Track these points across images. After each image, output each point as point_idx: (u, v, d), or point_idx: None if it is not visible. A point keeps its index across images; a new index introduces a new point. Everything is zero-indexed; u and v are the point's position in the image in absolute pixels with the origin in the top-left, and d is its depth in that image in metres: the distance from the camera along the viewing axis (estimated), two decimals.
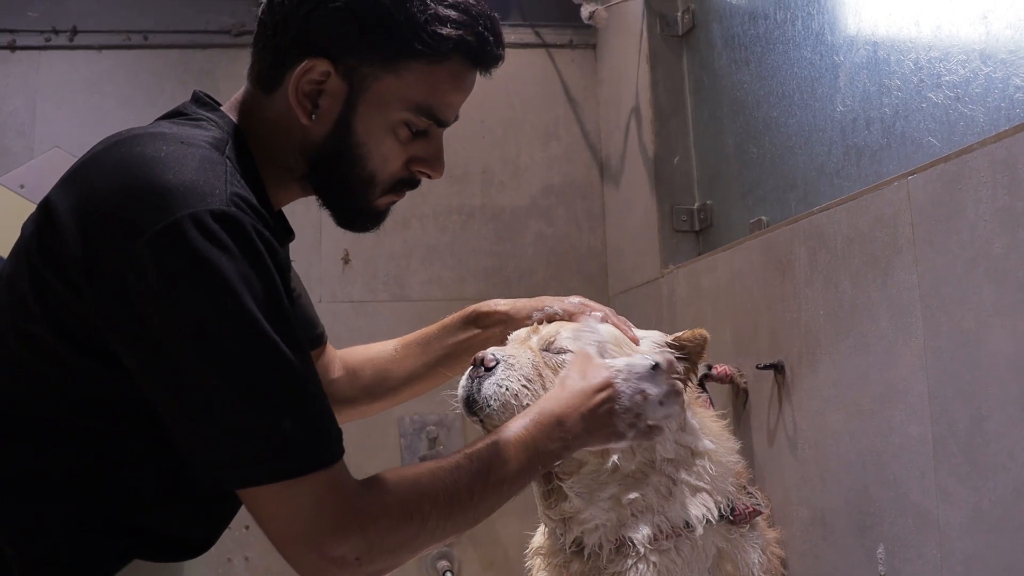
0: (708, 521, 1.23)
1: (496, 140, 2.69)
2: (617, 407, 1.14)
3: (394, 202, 1.15)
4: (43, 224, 0.93)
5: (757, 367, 1.54)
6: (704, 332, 1.28)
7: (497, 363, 1.20)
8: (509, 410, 1.16)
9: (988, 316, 1.06)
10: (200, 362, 0.85)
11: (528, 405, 1.14)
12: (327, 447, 0.90)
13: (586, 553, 1.24)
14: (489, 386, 1.18)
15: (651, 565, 1.19)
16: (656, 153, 2.23)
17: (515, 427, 1.06)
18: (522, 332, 1.30)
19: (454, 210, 2.65)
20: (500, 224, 2.65)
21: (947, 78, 1.26)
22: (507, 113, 2.70)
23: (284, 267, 0.94)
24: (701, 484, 1.25)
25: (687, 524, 1.22)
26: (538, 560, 1.34)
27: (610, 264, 2.63)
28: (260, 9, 1.08)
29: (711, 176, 2.13)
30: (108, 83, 2.60)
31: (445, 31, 1.01)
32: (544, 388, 1.19)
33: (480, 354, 1.22)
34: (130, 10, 2.67)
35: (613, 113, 2.57)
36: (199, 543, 1.04)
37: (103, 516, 0.95)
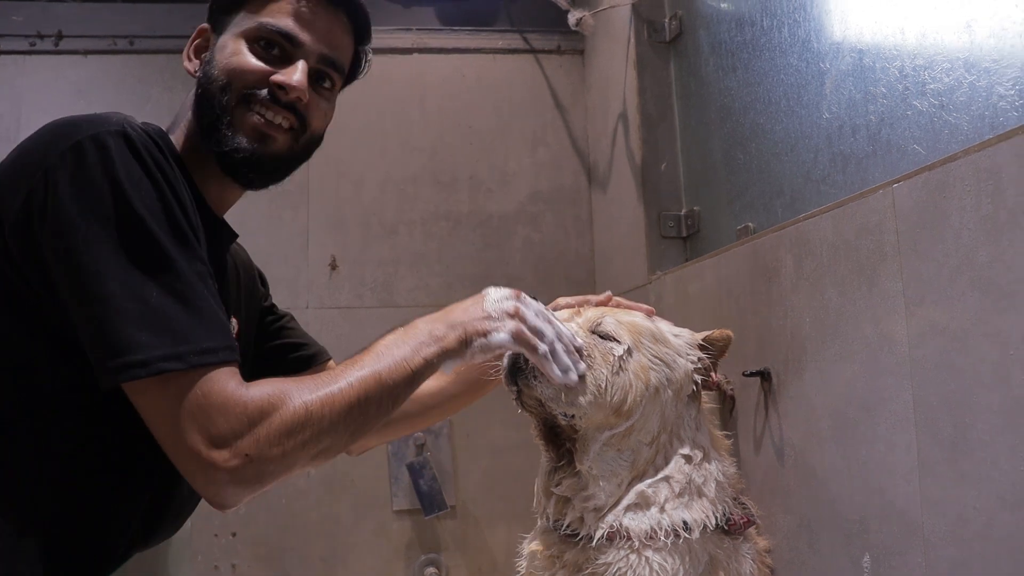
0: (704, 527, 1.23)
1: (483, 146, 2.69)
2: (485, 304, 1.15)
3: (255, 127, 1.19)
4: None
5: (744, 374, 1.54)
6: (730, 333, 1.37)
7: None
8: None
9: (972, 324, 1.06)
10: (95, 259, 0.92)
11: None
12: (214, 345, 0.94)
13: (580, 536, 1.24)
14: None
15: (644, 559, 1.19)
16: (643, 159, 2.23)
17: (390, 335, 1.10)
18: (562, 314, 1.31)
19: (441, 216, 2.64)
20: (488, 230, 2.65)
21: (932, 86, 1.26)
22: (494, 119, 2.70)
23: (175, 184, 1.01)
24: (705, 490, 1.26)
25: (685, 525, 1.23)
26: (530, 553, 1.34)
27: (598, 270, 2.63)
28: None
29: (698, 182, 2.13)
30: (94, 88, 2.59)
31: None
32: (591, 368, 1.22)
33: None
34: (116, 15, 2.66)
35: (601, 119, 2.57)
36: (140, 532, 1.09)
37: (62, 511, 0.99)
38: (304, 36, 1.19)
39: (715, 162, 2.01)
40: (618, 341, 1.28)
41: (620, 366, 1.25)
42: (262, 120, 1.17)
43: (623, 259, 2.37)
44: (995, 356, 1.02)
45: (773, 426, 1.50)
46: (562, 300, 1.42)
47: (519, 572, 1.38)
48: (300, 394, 0.95)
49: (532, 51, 2.74)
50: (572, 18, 2.31)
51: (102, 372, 0.92)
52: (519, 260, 2.65)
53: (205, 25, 1.23)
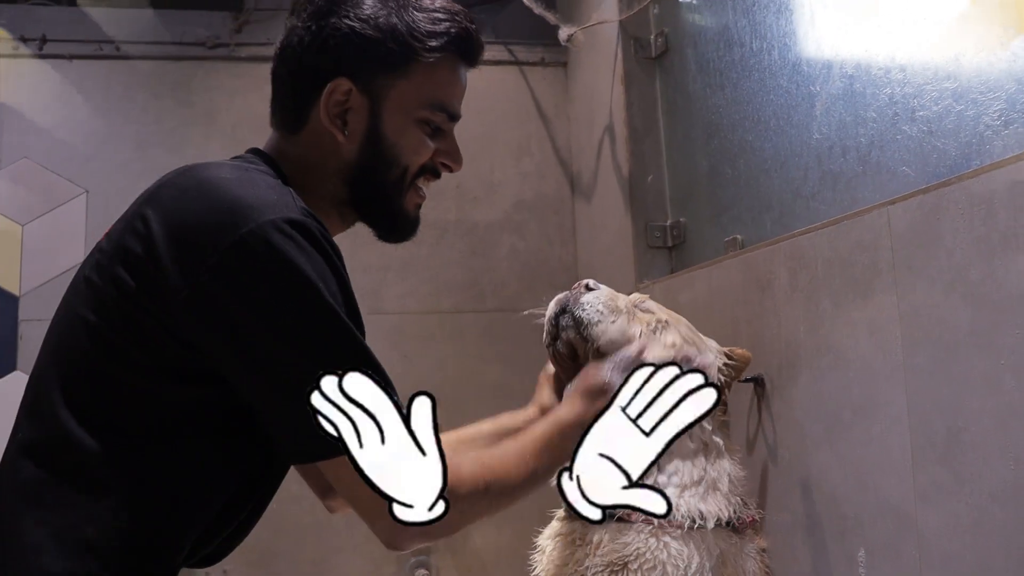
0: (718, 520, 1.30)
1: (470, 156, 2.68)
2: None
3: (418, 204, 1.25)
4: (133, 250, 1.00)
5: (737, 380, 1.62)
6: (749, 354, 1.47)
7: (600, 287, 1.41)
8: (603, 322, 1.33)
9: (965, 336, 1.15)
10: (289, 350, 0.95)
11: (612, 324, 1.33)
12: None
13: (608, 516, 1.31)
14: (590, 297, 1.37)
15: (662, 544, 1.26)
16: (631, 171, 2.31)
17: (539, 429, 1.16)
18: (604, 293, 1.42)
19: (429, 224, 2.66)
20: (474, 238, 2.71)
21: (921, 113, 1.36)
22: (480, 129, 2.76)
23: (343, 268, 1.04)
24: (720, 485, 1.33)
25: (701, 515, 1.30)
26: (549, 539, 1.39)
27: (581, 278, 2.69)
28: (272, 63, 1.20)
29: (684, 195, 2.21)
30: (79, 93, 2.59)
31: (438, 29, 1.17)
32: (628, 323, 1.35)
33: (584, 280, 1.44)
34: (101, 20, 2.65)
35: (585, 130, 2.64)
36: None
37: (158, 529, 1.01)
38: (459, 110, 1.23)
39: (701, 176, 2.09)
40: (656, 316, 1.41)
41: (657, 328, 1.37)
42: (423, 195, 1.24)
43: (609, 267, 2.44)
44: (986, 365, 1.12)
45: (767, 429, 1.59)
46: None
47: (532, 566, 1.43)
48: (478, 469, 1.03)
49: (516, 63, 2.80)
50: (563, 34, 2.38)
51: (291, 450, 0.98)
52: (505, 268, 2.71)
53: (345, 82, 1.13)
